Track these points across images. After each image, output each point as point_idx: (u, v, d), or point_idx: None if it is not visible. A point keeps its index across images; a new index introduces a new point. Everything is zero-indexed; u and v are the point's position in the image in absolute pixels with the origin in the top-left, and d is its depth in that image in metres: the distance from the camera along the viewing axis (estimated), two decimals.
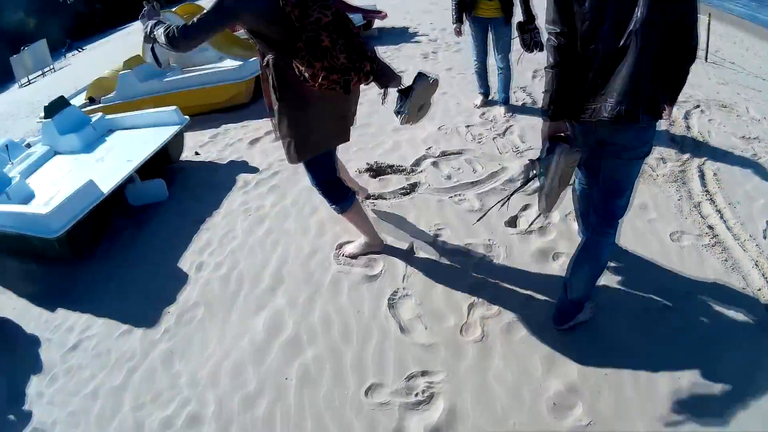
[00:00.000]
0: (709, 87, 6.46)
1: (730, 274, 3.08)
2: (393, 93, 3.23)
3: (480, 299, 3.02)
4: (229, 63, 6.73)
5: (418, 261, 3.35)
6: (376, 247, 3.39)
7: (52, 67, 20.60)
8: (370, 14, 9.26)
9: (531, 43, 4.78)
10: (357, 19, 8.73)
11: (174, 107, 4.88)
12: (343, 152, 4.61)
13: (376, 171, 4.38)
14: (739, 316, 2.78)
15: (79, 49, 24.11)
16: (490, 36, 5.11)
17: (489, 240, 3.47)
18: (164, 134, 4.61)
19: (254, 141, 5.31)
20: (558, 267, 3.22)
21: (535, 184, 2.46)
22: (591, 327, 2.76)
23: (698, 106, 5.93)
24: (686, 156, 4.61)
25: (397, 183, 4.17)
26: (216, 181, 4.65)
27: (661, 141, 4.72)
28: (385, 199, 4.00)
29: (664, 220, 3.62)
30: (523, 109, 5.51)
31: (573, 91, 2.15)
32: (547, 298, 2.98)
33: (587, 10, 2.00)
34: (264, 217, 4.03)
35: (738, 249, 3.32)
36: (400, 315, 3.00)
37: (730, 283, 3.00)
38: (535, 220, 3.49)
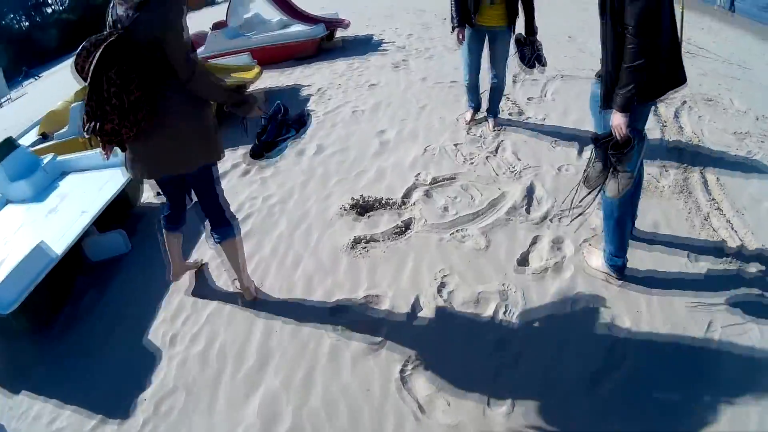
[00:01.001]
0: (690, 80, 6.25)
1: (750, 294, 3.02)
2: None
3: (503, 360, 2.70)
4: None
5: (425, 320, 2.97)
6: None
7: (9, 96, 19.71)
8: (333, 24, 8.88)
9: (532, 57, 4.46)
10: (320, 29, 8.32)
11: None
12: (322, 185, 4.23)
13: (363, 207, 3.98)
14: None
15: (36, 77, 23.24)
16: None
17: (503, 285, 3.14)
18: (121, 176, 4.14)
19: (220, 176, 4.74)
20: (581, 309, 2.96)
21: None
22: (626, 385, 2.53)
23: (685, 102, 5.82)
24: (686, 162, 4.51)
25: (389, 221, 3.79)
26: (183, 228, 4.10)
27: (659, 147, 4.58)
28: (377, 241, 3.60)
29: (679, 240, 3.49)
30: (511, 122, 5.22)
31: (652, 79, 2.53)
32: (576, 345, 2.75)
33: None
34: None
35: (753, 262, 3.29)
36: (416, 391, 2.61)
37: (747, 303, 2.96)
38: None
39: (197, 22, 12.44)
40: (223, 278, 3.53)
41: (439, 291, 3.12)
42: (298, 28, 8.58)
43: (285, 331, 3.02)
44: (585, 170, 2.87)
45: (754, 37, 9.45)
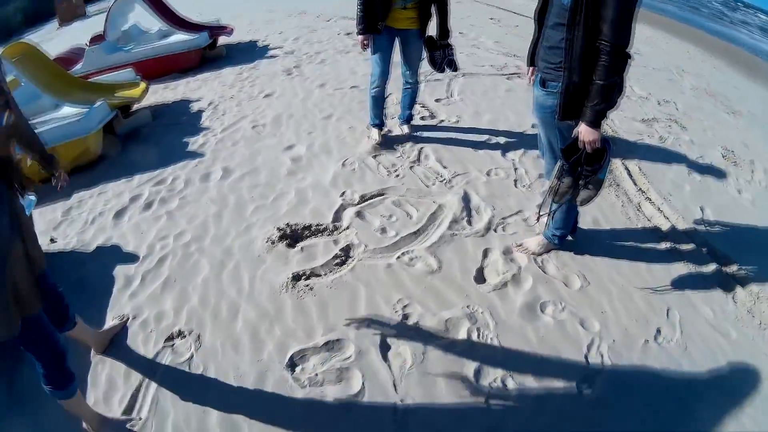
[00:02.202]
0: None
1: (692, 271, 3.40)
2: None
3: (493, 387, 2.61)
4: (69, 111, 5.59)
5: (398, 358, 2.78)
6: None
7: None
8: (216, 31, 8.45)
9: (443, 61, 4.39)
10: (204, 37, 7.90)
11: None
12: (239, 215, 3.92)
13: (293, 237, 3.68)
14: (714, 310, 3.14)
15: None
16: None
17: (468, 307, 3.05)
18: None
19: (119, 213, 4.22)
20: (550, 318, 2.99)
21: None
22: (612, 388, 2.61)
23: None
24: None
25: (325, 250, 3.54)
26: (88, 281, 3.53)
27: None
28: (319, 276, 3.34)
29: (619, 233, 3.74)
30: (426, 127, 5.18)
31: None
32: (557, 356, 2.79)
33: None
34: (171, 334, 3.03)
35: (688, 243, 3.66)
36: None
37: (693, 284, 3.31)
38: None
39: (69, 38, 11.52)
40: (154, 338, 3.03)
41: (405, 324, 2.95)
42: (179, 37, 8.12)
43: (245, 397, 2.64)
44: (552, 186, 2.85)
45: (639, 23, 10.12)
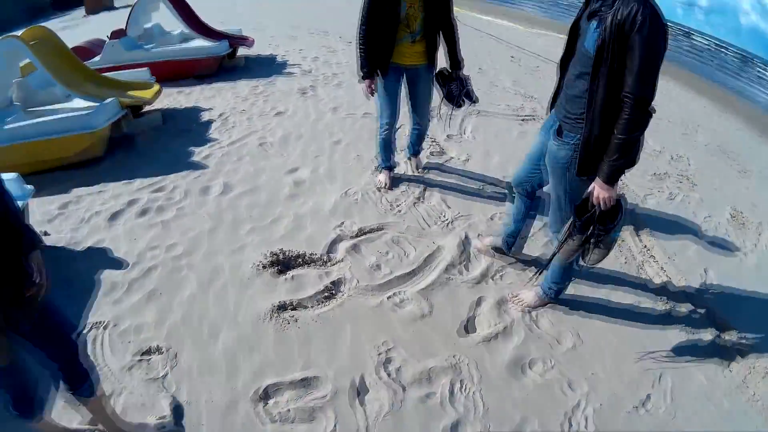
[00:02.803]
0: None
1: (690, 336, 3.32)
2: None
3: None
4: (80, 103, 5.60)
5: (374, 402, 2.73)
6: None
7: None
8: (237, 41, 8.51)
9: (461, 94, 4.15)
10: (224, 46, 7.95)
11: (14, 175, 3.79)
12: (233, 233, 3.91)
13: (284, 264, 3.66)
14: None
15: None
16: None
17: (453, 357, 3.00)
18: None
19: (115, 215, 4.26)
20: (537, 376, 2.93)
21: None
22: None
23: None
24: None
25: (315, 281, 3.52)
26: (74, 280, 3.54)
27: None
28: (306, 308, 3.32)
29: (619, 291, 3.66)
30: (433, 163, 5.17)
31: None
32: (538, 417, 2.70)
33: None
34: (149, 348, 3.02)
35: (688, 306, 3.58)
36: None
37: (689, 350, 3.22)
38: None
39: (94, 27, 11.62)
40: (131, 350, 2.96)
41: (385, 368, 2.91)
42: (200, 43, 8.20)
43: (214, 420, 2.61)
44: (561, 244, 2.78)
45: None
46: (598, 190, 2.48)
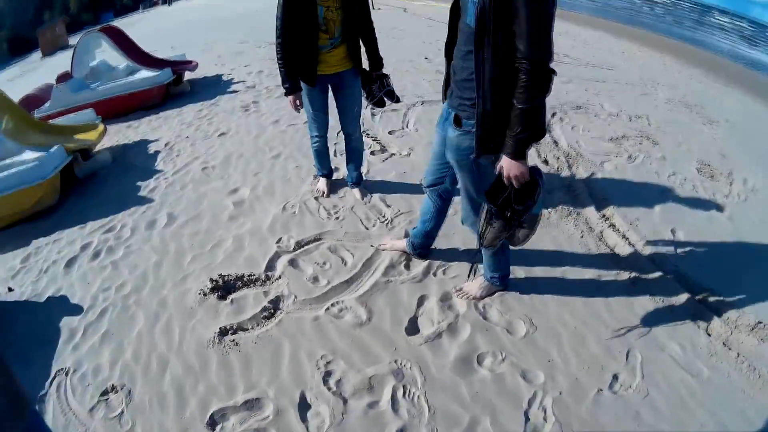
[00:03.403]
0: (556, 88, 6.45)
1: (659, 305, 3.19)
2: None
3: None
4: (29, 155, 5.53)
5: (318, 418, 2.63)
6: None
7: None
8: (180, 66, 8.45)
9: (381, 94, 3.98)
10: (167, 74, 7.88)
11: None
12: (177, 265, 3.86)
13: (225, 289, 3.56)
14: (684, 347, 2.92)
15: None
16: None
17: (395, 362, 2.88)
18: None
19: (70, 262, 4.23)
20: (487, 371, 2.80)
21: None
22: None
23: (555, 113, 6.02)
24: (568, 180, 4.55)
25: (255, 302, 3.40)
26: (38, 331, 3.56)
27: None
28: (246, 330, 3.20)
29: (575, 268, 3.51)
30: (374, 163, 5.06)
31: None
32: (491, 416, 2.57)
33: None
34: (106, 388, 2.99)
35: (655, 273, 3.46)
36: None
37: (660, 318, 3.10)
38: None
39: (51, 69, 11.57)
40: (90, 392, 2.96)
41: (326, 382, 2.80)
42: (144, 74, 8.19)
43: None
44: (481, 233, 2.64)
45: (613, 35, 10.03)
46: (507, 167, 2.30)
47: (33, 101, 7.60)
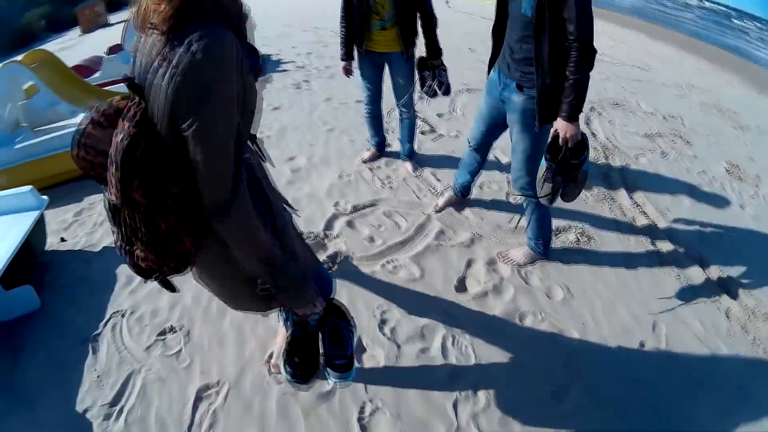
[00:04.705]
0: (595, 84, 6.65)
1: (686, 290, 3.44)
2: None
3: (462, 392, 2.70)
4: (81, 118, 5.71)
5: (374, 360, 2.90)
6: None
7: None
8: None
9: (432, 84, 4.10)
10: None
11: (29, 188, 3.96)
12: None
13: None
14: (707, 328, 3.18)
15: None
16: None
17: (445, 314, 3.15)
18: (21, 225, 3.72)
19: None
20: (528, 327, 3.09)
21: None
22: (587, 400, 2.70)
23: (593, 108, 6.16)
24: (604, 168, 4.78)
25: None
26: (92, 278, 3.73)
27: None
28: None
29: (609, 247, 3.78)
30: (425, 141, 5.31)
31: None
32: (531, 366, 2.87)
33: None
34: (164, 329, 3.20)
35: (682, 258, 3.73)
36: None
37: (688, 298, 3.38)
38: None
39: (91, 46, 11.81)
40: (147, 332, 3.18)
41: (381, 328, 3.06)
42: None
43: (224, 388, 2.78)
44: (544, 192, 2.90)
45: (648, 37, 10.11)
46: (563, 128, 2.64)
47: (81, 71, 7.73)
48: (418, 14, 3.86)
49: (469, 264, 3.54)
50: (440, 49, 4.00)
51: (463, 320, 3.10)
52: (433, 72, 4.06)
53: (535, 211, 3.26)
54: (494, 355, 2.90)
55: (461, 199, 4.08)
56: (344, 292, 3.30)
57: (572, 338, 3.00)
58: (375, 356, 2.90)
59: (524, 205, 3.34)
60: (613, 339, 3.01)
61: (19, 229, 3.68)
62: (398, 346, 2.94)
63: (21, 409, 2.81)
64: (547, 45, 2.58)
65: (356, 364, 2.21)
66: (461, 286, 3.37)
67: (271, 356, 2.89)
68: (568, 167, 2.74)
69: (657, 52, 9.63)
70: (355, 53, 4.19)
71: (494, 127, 3.33)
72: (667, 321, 3.16)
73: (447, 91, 4.13)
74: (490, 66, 3.19)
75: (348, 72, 4.28)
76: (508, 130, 3.13)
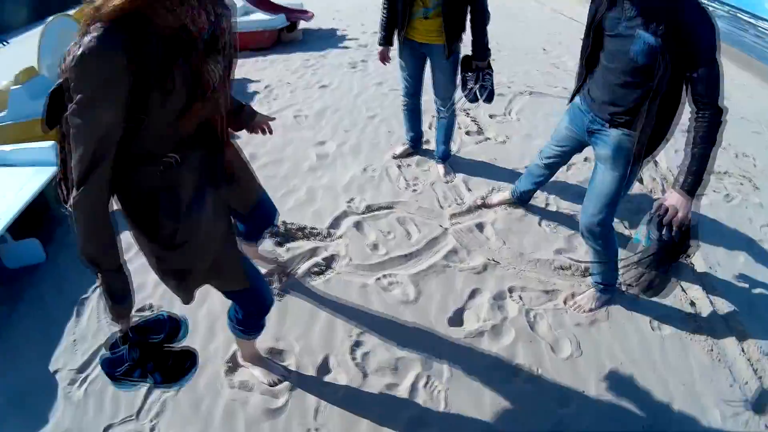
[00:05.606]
0: None
1: (717, 367, 2.86)
2: None
3: None
4: None
5: (334, 387, 2.61)
6: None
7: None
8: (295, 14, 8.42)
9: (473, 88, 3.70)
10: (281, 20, 7.89)
11: (51, 143, 3.95)
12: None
13: (284, 236, 3.56)
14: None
15: (4, 43, 22.11)
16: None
17: (427, 350, 2.79)
18: (39, 179, 3.75)
19: None
20: (518, 384, 2.66)
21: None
22: None
23: None
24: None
25: (309, 256, 3.40)
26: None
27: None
28: (292, 281, 3.22)
29: (642, 301, 3.15)
30: (468, 143, 4.89)
31: None
32: None
33: None
34: (143, 306, 3.10)
35: (722, 333, 3.10)
36: None
37: (717, 378, 2.80)
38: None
39: None
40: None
41: (353, 351, 2.76)
42: (257, 16, 8.15)
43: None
44: (629, 278, 2.51)
45: (737, 65, 9.26)
46: (679, 203, 2.26)
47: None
48: (468, 8, 3.48)
49: (472, 294, 3.15)
50: (488, 50, 3.62)
51: (446, 360, 2.73)
52: (477, 75, 3.68)
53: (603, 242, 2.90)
54: (467, 408, 2.52)
55: (518, 204, 3.89)
56: (328, 304, 3.04)
57: (565, 409, 2.55)
58: (336, 380, 2.62)
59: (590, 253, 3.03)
60: (613, 417, 2.53)
61: (36, 182, 3.75)
62: (365, 375, 2.64)
63: (8, 356, 2.85)
64: (658, 101, 2.29)
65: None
66: (457, 320, 3.00)
67: (233, 357, 2.74)
68: (670, 252, 2.31)
69: (742, 82, 8.79)
70: (395, 41, 3.88)
71: (572, 151, 3.11)
72: (683, 404, 2.61)
73: (489, 99, 3.76)
74: (575, 93, 2.85)
75: (384, 58, 4.01)
76: (594, 166, 2.81)
